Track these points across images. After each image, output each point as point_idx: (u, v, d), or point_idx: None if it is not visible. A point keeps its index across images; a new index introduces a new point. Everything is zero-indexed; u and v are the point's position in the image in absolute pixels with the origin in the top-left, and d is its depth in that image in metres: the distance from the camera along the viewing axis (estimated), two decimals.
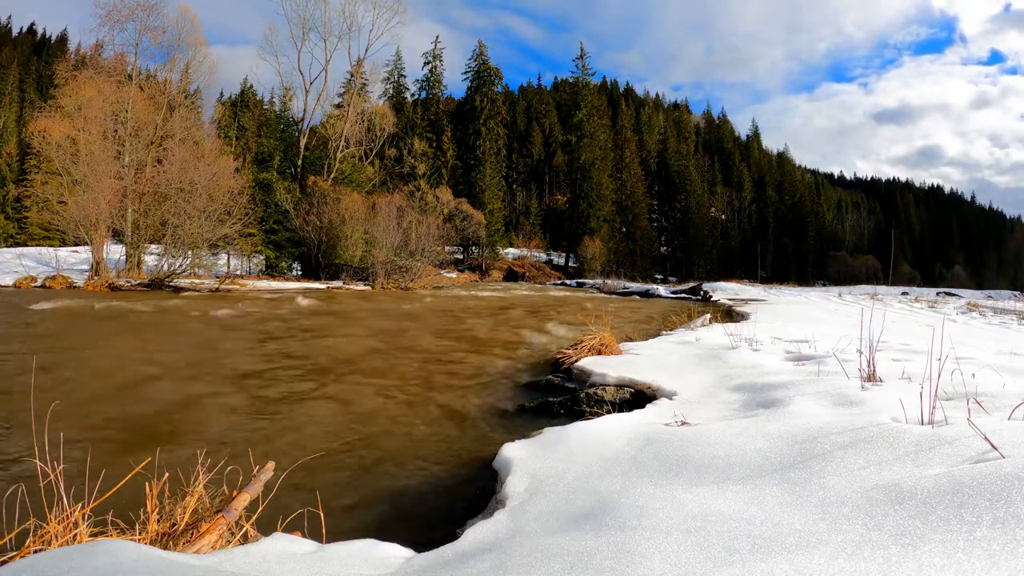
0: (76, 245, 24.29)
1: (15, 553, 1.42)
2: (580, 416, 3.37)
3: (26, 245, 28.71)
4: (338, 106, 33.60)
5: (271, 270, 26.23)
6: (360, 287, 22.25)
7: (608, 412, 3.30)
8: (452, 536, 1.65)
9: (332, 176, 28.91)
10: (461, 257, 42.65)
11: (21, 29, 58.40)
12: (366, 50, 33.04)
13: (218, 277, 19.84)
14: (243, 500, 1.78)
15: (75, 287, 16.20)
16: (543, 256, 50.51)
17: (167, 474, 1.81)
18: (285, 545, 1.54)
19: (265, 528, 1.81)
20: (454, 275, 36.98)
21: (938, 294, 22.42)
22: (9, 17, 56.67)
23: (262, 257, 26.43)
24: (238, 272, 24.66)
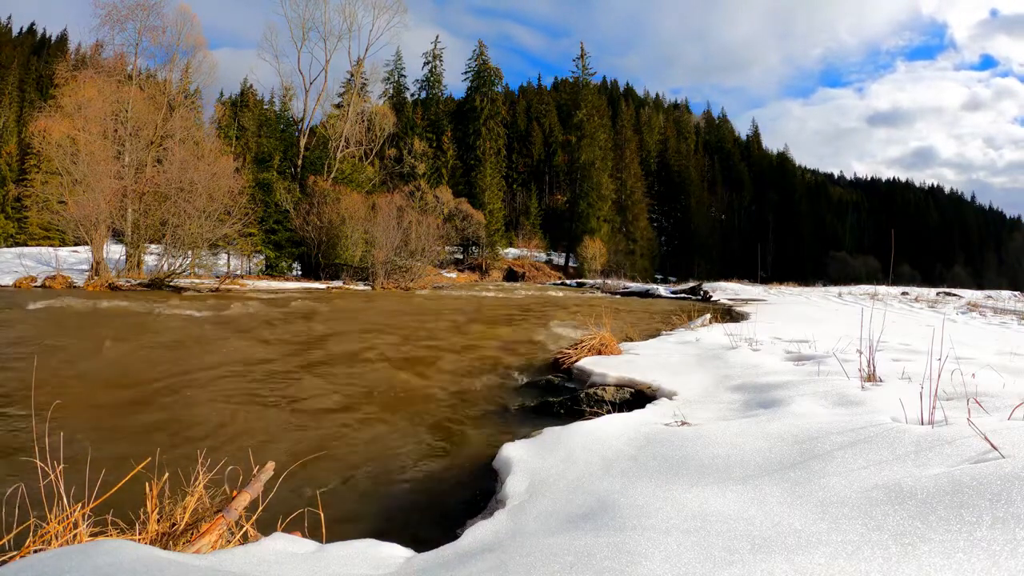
0: (76, 245, 24.30)
1: (15, 553, 1.42)
2: (580, 416, 3.37)
3: (26, 245, 28.74)
4: (338, 106, 33.60)
5: (271, 270, 26.25)
6: (360, 287, 22.25)
7: (608, 412, 3.30)
8: (452, 536, 1.65)
9: (332, 176, 28.92)
10: (461, 257, 42.68)
11: (21, 29, 58.28)
12: (366, 50, 33.07)
13: (218, 277, 19.85)
14: (243, 500, 1.78)
15: (75, 287, 16.19)
16: (543, 256, 50.52)
17: (167, 474, 1.81)
18: (285, 545, 1.54)
19: (265, 528, 1.81)
20: (454, 275, 37.02)
21: (938, 294, 22.38)
22: (9, 17, 56.56)
23: (262, 257, 26.46)
24: (238, 272, 24.67)
